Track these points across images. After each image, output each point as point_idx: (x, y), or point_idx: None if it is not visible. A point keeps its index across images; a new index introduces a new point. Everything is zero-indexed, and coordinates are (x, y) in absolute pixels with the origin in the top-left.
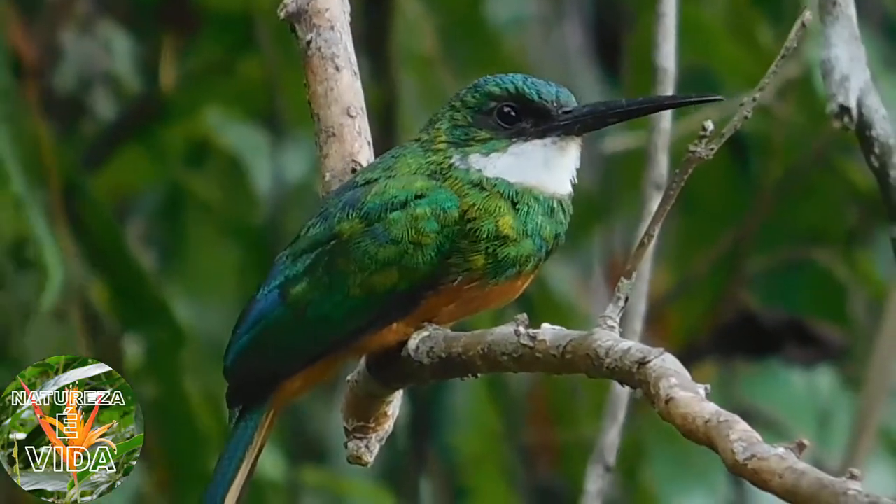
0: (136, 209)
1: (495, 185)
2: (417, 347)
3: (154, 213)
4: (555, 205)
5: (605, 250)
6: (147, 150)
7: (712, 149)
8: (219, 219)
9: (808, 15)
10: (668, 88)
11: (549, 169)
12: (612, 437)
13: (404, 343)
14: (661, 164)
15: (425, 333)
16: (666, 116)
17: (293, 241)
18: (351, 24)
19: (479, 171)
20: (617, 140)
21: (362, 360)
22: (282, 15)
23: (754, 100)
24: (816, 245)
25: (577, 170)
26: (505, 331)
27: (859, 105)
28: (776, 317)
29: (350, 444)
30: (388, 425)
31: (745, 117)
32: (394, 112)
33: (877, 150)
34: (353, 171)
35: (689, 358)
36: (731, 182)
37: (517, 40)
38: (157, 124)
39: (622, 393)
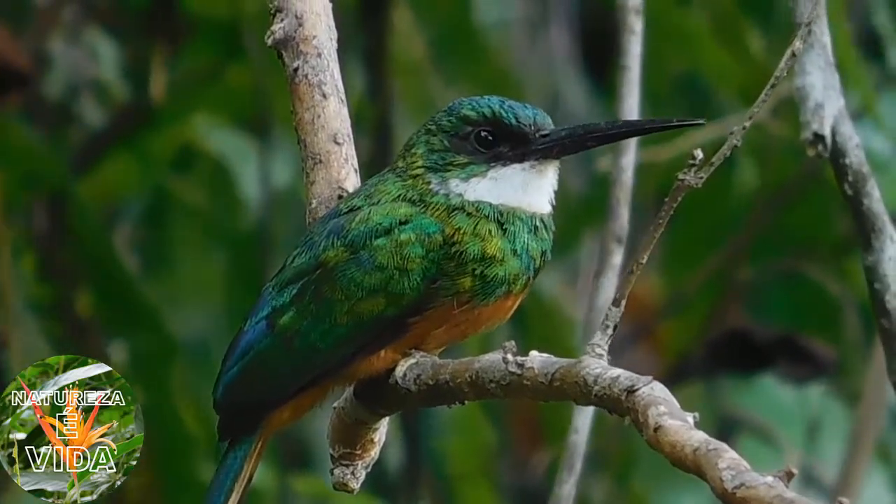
0: (123, 215)
1: (478, 207)
2: (405, 375)
3: (141, 219)
4: (538, 223)
5: (595, 254)
6: (134, 157)
7: (701, 177)
8: (206, 225)
9: (797, 45)
10: (631, 142)
11: (528, 192)
12: (568, 488)
13: (392, 370)
14: (623, 218)
15: (412, 361)
16: (627, 170)
17: (279, 271)
18: (347, 36)
19: (460, 195)
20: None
21: (350, 387)
22: (269, 42)
23: (744, 128)
24: (809, 258)
25: (567, 175)
26: (493, 358)
27: (833, 133)
28: (768, 333)
29: (336, 471)
30: (375, 452)
31: (735, 145)
32: (390, 122)
33: (850, 178)
34: (340, 197)
35: (681, 374)
36: (723, 196)
37: (503, 45)
38: (145, 131)
39: (579, 444)
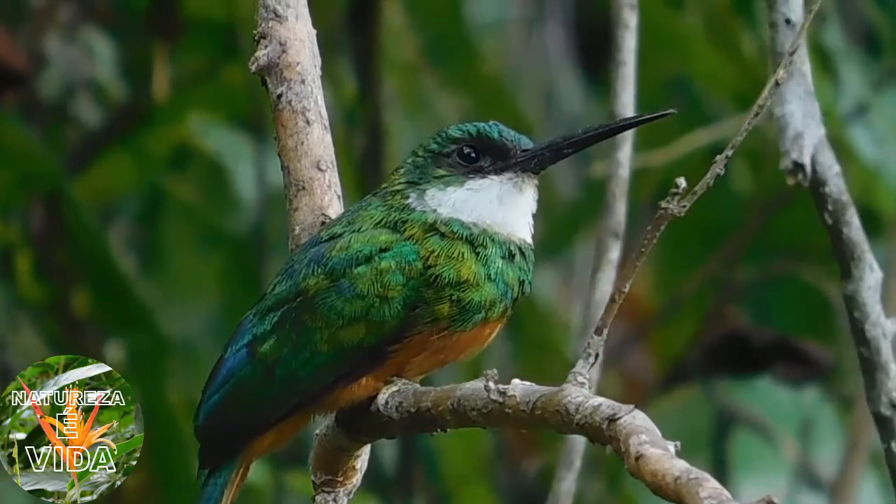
0: (119, 214)
1: (450, 225)
2: (387, 402)
3: (137, 218)
4: (513, 249)
5: (590, 256)
6: (130, 156)
7: (685, 206)
8: (201, 224)
9: (781, 74)
10: (626, 137)
11: (504, 206)
12: (567, 485)
13: (374, 398)
14: (619, 213)
15: (394, 388)
16: (624, 164)
17: (260, 299)
18: (339, 36)
19: (434, 209)
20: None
21: (332, 415)
22: (253, 69)
23: (727, 157)
24: (803, 261)
25: (561, 178)
26: (475, 386)
27: (813, 162)
28: (764, 335)
29: (318, 498)
30: (357, 479)
31: (718, 175)
32: (380, 122)
33: (830, 207)
34: (323, 224)
35: (677, 376)
36: (718, 199)
37: (499, 43)
38: (141, 130)
39: (578, 440)
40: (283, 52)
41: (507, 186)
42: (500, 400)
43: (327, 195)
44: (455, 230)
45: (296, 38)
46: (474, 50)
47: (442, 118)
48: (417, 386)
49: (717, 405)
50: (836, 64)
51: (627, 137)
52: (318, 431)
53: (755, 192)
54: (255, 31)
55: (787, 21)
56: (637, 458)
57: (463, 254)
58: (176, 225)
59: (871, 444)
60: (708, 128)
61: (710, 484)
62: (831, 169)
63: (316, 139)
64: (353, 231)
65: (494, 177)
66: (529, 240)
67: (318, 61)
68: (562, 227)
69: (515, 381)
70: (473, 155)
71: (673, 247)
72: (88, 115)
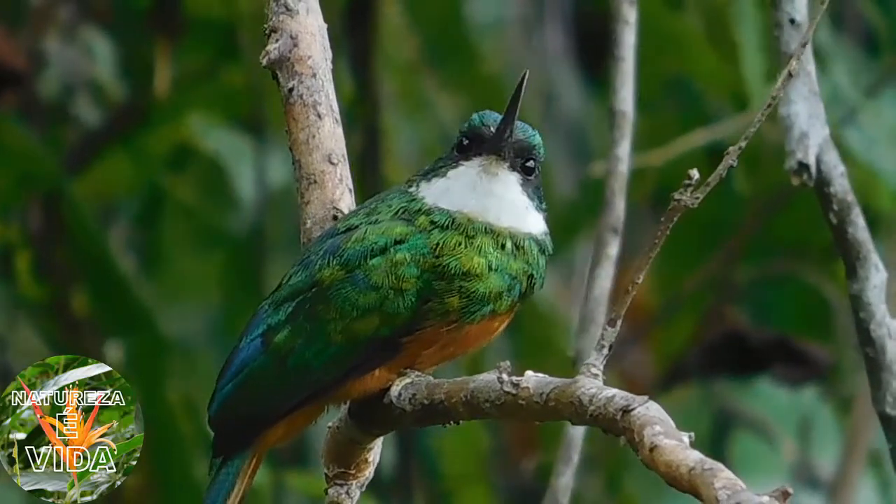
0: (118, 215)
1: (439, 214)
2: (400, 394)
3: (137, 218)
4: (502, 239)
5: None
6: (130, 156)
7: (697, 197)
8: (201, 224)
9: (793, 64)
10: (626, 132)
11: (478, 193)
12: (565, 480)
13: (386, 390)
14: (618, 209)
15: (408, 380)
16: (623, 160)
17: (275, 290)
18: (337, 36)
19: (423, 198)
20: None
21: (344, 407)
22: (264, 62)
23: (740, 148)
24: (803, 261)
25: (560, 178)
26: (488, 378)
27: (818, 162)
28: (763, 335)
29: (330, 491)
30: (369, 472)
31: (732, 165)
32: (377, 122)
33: (835, 207)
34: (335, 217)
35: (677, 375)
36: (718, 199)
37: (498, 43)
38: (141, 130)
39: (576, 436)
40: (294, 45)
41: (478, 174)
42: (514, 392)
43: (338, 189)
44: (441, 219)
45: (307, 31)
46: (474, 50)
47: (441, 118)
48: (430, 378)
49: (717, 405)
50: (827, 65)
51: (626, 134)
52: (330, 424)
53: (752, 192)
54: (265, 25)
55: (792, 21)
56: (651, 449)
57: (460, 243)
58: (176, 225)
59: (870, 444)
60: (706, 128)
61: (725, 475)
62: (836, 169)
63: (327, 133)
64: (370, 222)
65: (464, 163)
66: (530, 229)
67: (329, 55)
68: (561, 227)
69: (529, 372)
70: (466, 144)
71: (673, 246)
72: (88, 115)
